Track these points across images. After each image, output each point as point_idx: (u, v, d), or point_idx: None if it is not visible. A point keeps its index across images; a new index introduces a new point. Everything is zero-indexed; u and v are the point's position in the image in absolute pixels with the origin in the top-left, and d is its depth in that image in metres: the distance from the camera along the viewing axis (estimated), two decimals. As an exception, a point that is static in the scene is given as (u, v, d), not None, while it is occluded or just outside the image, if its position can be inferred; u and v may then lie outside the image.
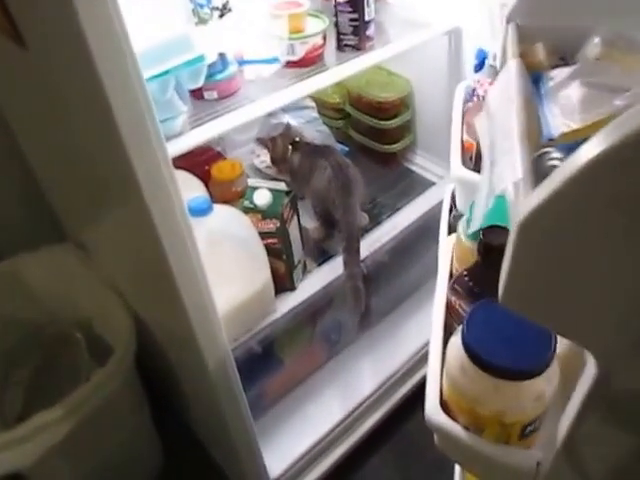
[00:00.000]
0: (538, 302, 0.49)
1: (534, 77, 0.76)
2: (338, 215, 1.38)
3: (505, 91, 0.70)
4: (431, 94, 1.69)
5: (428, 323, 1.60)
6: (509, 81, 0.70)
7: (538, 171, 0.56)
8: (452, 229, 1.32)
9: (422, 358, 1.60)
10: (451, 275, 0.96)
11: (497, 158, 0.63)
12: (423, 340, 1.61)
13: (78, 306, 1.35)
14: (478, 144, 1.08)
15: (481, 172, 0.72)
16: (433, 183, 1.74)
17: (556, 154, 0.64)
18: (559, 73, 0.76)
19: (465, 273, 0.84)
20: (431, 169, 1.79)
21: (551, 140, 0.67)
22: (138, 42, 0.94)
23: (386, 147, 1.77)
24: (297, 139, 1.56)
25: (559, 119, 0.69)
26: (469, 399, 0.70)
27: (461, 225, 0.93)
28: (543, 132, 0.67)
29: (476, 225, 0.63)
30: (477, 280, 0.82)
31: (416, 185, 1.73)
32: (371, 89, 1.71)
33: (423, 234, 1.61)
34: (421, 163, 1.83)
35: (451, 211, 1.35)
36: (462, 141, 1.14)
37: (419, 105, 1.75)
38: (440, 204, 1.51)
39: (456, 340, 0.73)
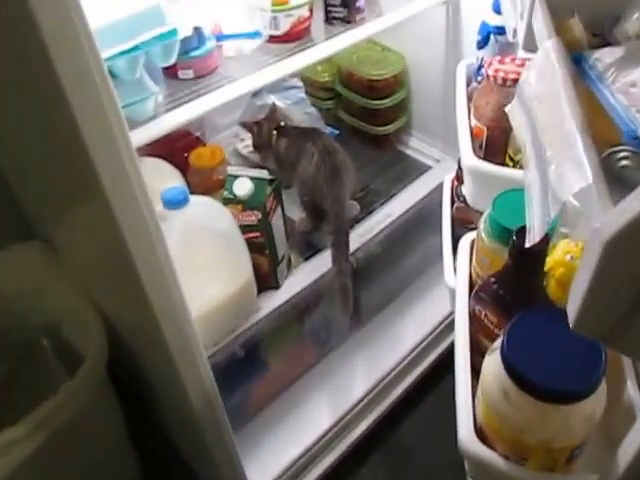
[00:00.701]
0: (621, 329, 0.45)
1: (575, 58, 0.71)
2: (326, 205, 1.35)
3: (546, 76, 0.66)
4: (427, 71, 1.66)
5: (424, 319, 1.61)
6: (551, 65, 0.65)
7: (608, 173, 0.51)
8: (455, 222, 1.32)
9: (418, 356, 1.59)
10: (470, 280, 0.94)
11: (550, 156, 0.59)
12: (419, 337, 1.60)
13: (46, 309, 1.32)
14: (489, 129, 1.06)
15: (525, 170, 0.68)
16: (429, 167, 1.71)
17: (625, 153, 0.59)
18: (605, 54, 0.70)
19: (492, 279, 0.82)
20: (427, 152, 1.77)
21: (636, 139, 0.61)
22: (103, 14, 0.90)
23: (379, 129, 1.74)
24: (282, 123, 1.52)
25: (632, 112, 0.63)
26: (513, 427, 0.67)
27: (482, 223, 0.91)
28: (622, 128, 0.62)
29: (537, 236, 0.59)
30: (507, 287, 0.79)
31: (411, 169, 1.71)
32: (363, 66, 1.68)
33: (419, 222, 1.60)
34: (416, 146, 1.80)
35: (453, 203, 1.34)
36: (470, 127, 1.12)
37: (414, 83, 1.72)
38: (437, 189, 1.51)
39: (493, 360, 0.69)
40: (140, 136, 0.97)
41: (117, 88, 0.71)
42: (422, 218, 1.59)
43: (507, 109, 0.78)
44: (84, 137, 0.68)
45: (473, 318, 0.83)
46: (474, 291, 0.85)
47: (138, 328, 1.09)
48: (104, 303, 1.17)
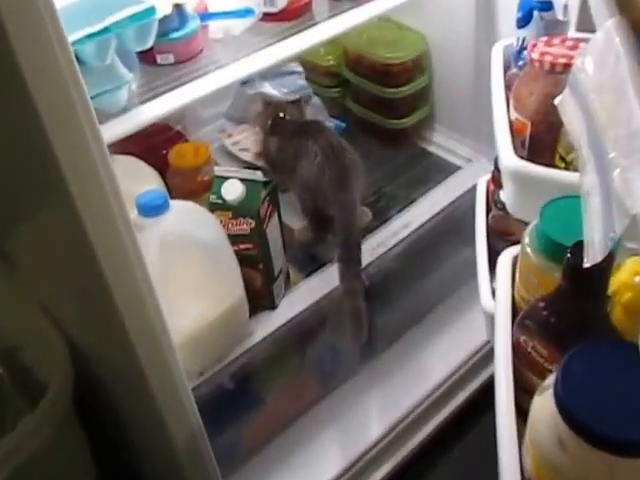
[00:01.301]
0: None
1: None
2: (332, 213, 1.37)
3: (606, 64, 0.66)
4: (454, 54, 1.68)
5: (453, 349, 1.62)
6: (614, 50, 0.65)
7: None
8: (491, 233, 1.32)
9: (446, 394, 1.59)
10: (514, 303, 0.93)
11: (614, 158, 0.59)
12: (447, 371, 1.59)
13: (2, 334, 1.34)
14: (534, 124, 1.07)
15: (581, 174, 0.68)
16: (458, 167, 1.73)
17: None
18: None
19: (542, 304, 0.81)
20: (455, 149, 1.78)
21: None
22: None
23: (395, 122, 1.76)
24: (282, 115, 1.54)
25: None
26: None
27: (527, 236, 0.90)
28: None
29: (599, 254, 0.59)
30: (560, 313, 0.78)
31: (435, 170, 1.72)
32: (375, 48, 1.70)
33: (445, 233, 1.61)
34: (441, 142, 1.82)
35: (489, 210, 1.35)
36: (509, 121, 1.12)
37: (438, 68, 1.74)
38: (468, 194, 1.52)
39: (545, 401, 0.68)
40: (111, 131, 0.99)
41: (85, 76, 0.73)
42: (449, 228, 1.61)
43: (557, 102, 0.79)
44: (48, 132, 0.70)
45: (518, 350, 0.83)
46: (519, 318, 0.84)
47: (110, 355, 1.10)
48: (70, 327, 1.19)
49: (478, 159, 1.73)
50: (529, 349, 0.80)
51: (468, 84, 1.65)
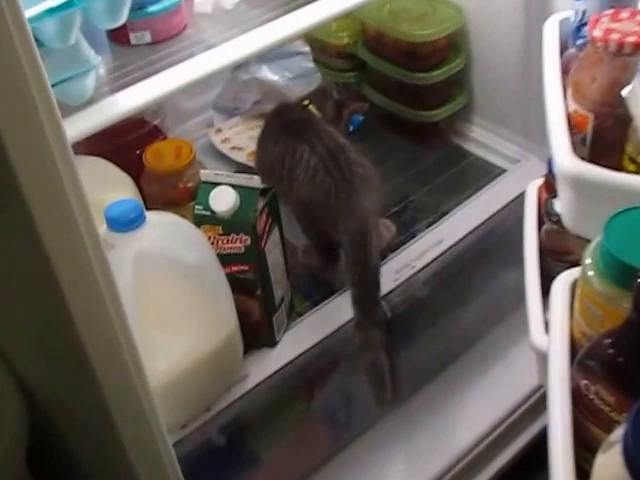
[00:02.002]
0: None
1: None
2: (337, 234, 1.37)
3: None
4: (497, 30, 1.69)
5: (495, 396, 1.61)
6: None
7: None
8: (544, 253, 1.32)
9: (485, 452, 1.58)
10: (572, 340, 0.93)
11: None
12: (487, 423, 1.58)
13: None
14: (597, 118, 1.07)
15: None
16: (502, 170, 1.74)
17: None
18: None
19: (608, 341, 0.81)
20: (499, 148, 1.80)
21: None
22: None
23: (424, 114, 1.77)
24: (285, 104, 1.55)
25: None
26: None
27: (589, 257, 0.90)
28: None
29: None
30: (630, 352, 0.78)
31: (474, 174, 1.74)
32: (400, 23, 1.72)
33: (486, 252, 1.62)
34: (481, 139, 1.83)
35: (541, 224, 1.34)
36: (567, 114, 1.12)
37: (477, 48, 1.76)
38: (516, 204, 1.51)
39: (611, 459, 0.67)
40: (75, 127, 1.01)
41: (44, 60, 0.73)
42: (491, 246, 1.62)
43: (625, 92, 0.79)
44: (1, 130, 0.71)
45: (577, 397, 0.83)
46: (579, 357, 0.84)
47: (73, 404, 1.10)
48: (25, 369, 1.19)
49: (527, 160, 1.74)
50: (591, 395, 0.80)
51: (514, 67, 1.66)
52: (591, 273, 0.88)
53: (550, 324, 0.97)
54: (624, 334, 0.79)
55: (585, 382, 0.81)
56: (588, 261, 0.89)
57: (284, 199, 1.45)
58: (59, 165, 0.78)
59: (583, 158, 1.05)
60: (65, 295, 0.85)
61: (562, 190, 1.14)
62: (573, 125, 1.10)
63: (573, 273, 0.97)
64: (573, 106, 1.10)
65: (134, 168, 1.45)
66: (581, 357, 0.84)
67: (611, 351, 0.80)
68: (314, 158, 1.38)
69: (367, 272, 1.33)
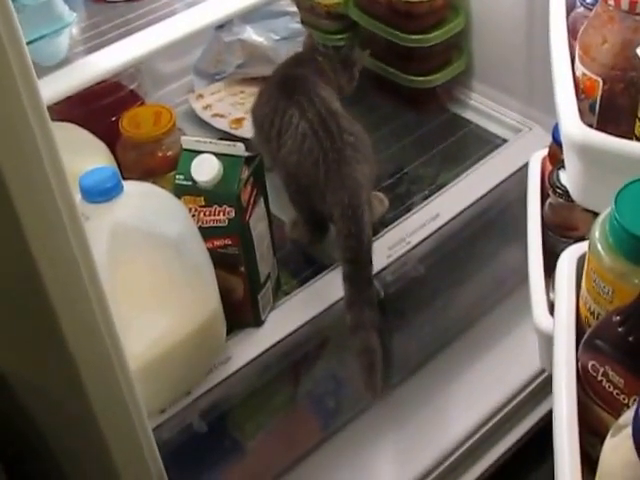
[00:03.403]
0: None
1: None
2: (332, 217, 1.37)
3: None
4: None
5: (495, 379, 1.62)
6: None
7: None
8: (549, 228, 1.32)
9: (485, 439, 1.59)
10: (578, 320, 0.93)
11: None
12: (486, 409, 1.60)
13: None
14: (607, 82, 1.06)
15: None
16: (503, 140, 1.75)
17: None
18: None
19: (617, 318, 0.81)
20: (499, 116, 1.80)
21: None
22: None
23: (420, 79, 1.77)
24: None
25: None
26: None
27: (598, 231, 0.90)
28: None
29: None
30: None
31: (472, 144, 1.75)
32: (394, -20, 1.70)
33: (486, 228, 1.63)
34: (480, 106, 1.83)
35: (545, 197, 1.34)
36: (574, 78, 1.11)
37: (477, 8, 1.75)
38: (518, 176, 1.51)
39: (620, 444, 0.68)
40: (48, 89, 0.99)
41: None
42: (491, 221, 1.62)
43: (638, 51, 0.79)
44: None
45: (584, 379, 0.83)
46: (586, 336, 0.84)
47: (47, 386, 1.10)
48: None
49: (530, 129, 1.74)
50: (599, 377, 0.81)
51: (517, 29, 1.66)
52: (600, 247, 0.88)
53: (555, 302, 0.96)
54: (635, 311, 0.79)
55: (593, 363, 0.81)
56: (597, 235, 0.89)
57: (271, 162, 1.46)
58: (35, 129, 0.78)
59: (591, 125, 1.05)
60: (40, 270, 0.85)
61: (569, 160, 1.13)
62: (581, 90, 1.09)
63: (580, 247, 0.97)
64: (581, 70, 1.09)
65: (109, 135, 1.44)
66: (588, 336, 0.83)
67: (621, 329, 0.80)
68: (303, 123, 1.39)
69: (359, 248, 1.33)
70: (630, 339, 0.79)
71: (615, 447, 0.69)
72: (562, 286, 0.97)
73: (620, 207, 0.86)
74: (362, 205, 1.36)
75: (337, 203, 1.35)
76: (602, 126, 1.05)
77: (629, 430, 0.66)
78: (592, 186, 1.08)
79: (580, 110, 1.06)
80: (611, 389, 0.79)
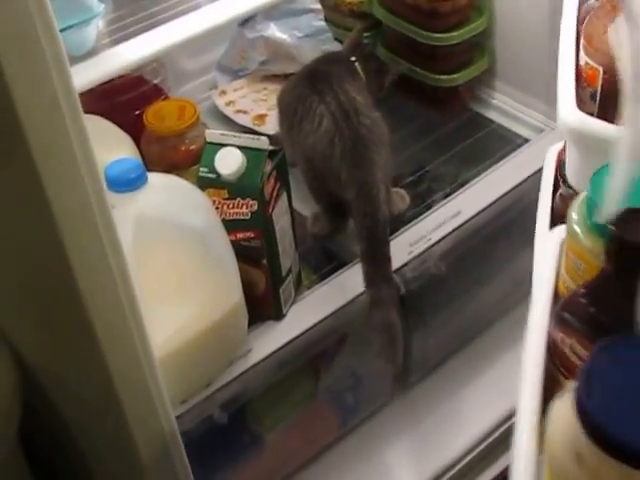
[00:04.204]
0: None
1: None
2: (347, 197, 1.38)
3: None
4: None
5: (510, 384, 1.56)
6: None
7: None
8: (557, 217, 1.32)
9: (503, 439, 1.59)
10: (557, 295, 0.94)
11: None
12: (505, 408, 1.60)
13: None
14: (607, 72, 1.06)
15: (620, 120, 0.70)
16: (525, 140, 1.75)
17: None
18: None
19: (582, 291, 0.83)
20: (521, 115, 1.81)
21: None
22: None
23: (442, 78, 1.78)
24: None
25: None
26: None
27: (575, 211, 0.92)
28: None
29: (610, 209, 0.61)
30: (604, 304, 0.80)
31: (494, 143, 1.75)
32: (418, -22, 1.71)
33: (506, 227, 1.63)
34: (503, 105, 1.84)
35: (557, 188, 1.34)
36: (577, 67, 1.12)
37: (500, 8, 1.76)
38: (538, 175, 1.49)
39: (564, 407, 0.70)
40: (76, 79, 1.01)
41: None
42: (512, 220, 1.62)
43: (610, 29, 0.80)
44: (6, 74, 0.73)
45: (554, 351, 0.84)
46: (556, 310, 0.86)
47: (71, 375, 1.12)
48: (19, 337, 1.20)
49: (552, 129, 1.74)
50: (566, 350, 0.82)
51: (541, 30, 1.66)
52: (577, 228, 0.90)
53: (533, 278, 0.99)
54: (598, 284, 0.81)
55: (561, 336, 0.83)
56: (574, 216, 0.91)
57: (292, 153, 1.47)
58: (67, 117, 0.79)
59: (592, 114, 1.05)
60: (69, 257, 0.86)
61: (568, 147, 1.16)
62: (583, 79, 1.10)
63: (563, 229, 0.98)
64: (584, 59, 1.10)
65: (133, 129, 1.46)
66: (558, 309, 0.85)
67: (585, 302, 0.82)
68: (322, 106, 1.41)
69: (375, 226, 1.35)
70: (592, 310, 0.80)
71: (560, 410, 0.71)
72: (544, 263, 0.98)
73: (595, 188, 0.88)
74: (377, 184, 1.37)
75: (352, 182, 1.37)
76: (602, 114, 1.05)
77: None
78: (588, 172, 1.04)
79: (582, 99, 1.08)
80: (577, 361, 0.80)
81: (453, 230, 1.53)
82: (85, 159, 0.83)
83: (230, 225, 1.26)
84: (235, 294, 1.29)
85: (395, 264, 1.39)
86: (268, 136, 1.38)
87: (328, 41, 1.80)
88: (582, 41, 1.11)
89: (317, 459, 1.56)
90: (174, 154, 1.46)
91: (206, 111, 1.75)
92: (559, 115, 1.07)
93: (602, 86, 1.07)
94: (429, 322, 1.63)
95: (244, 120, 1.72)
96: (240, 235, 1.28)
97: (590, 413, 0.65)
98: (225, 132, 1.33)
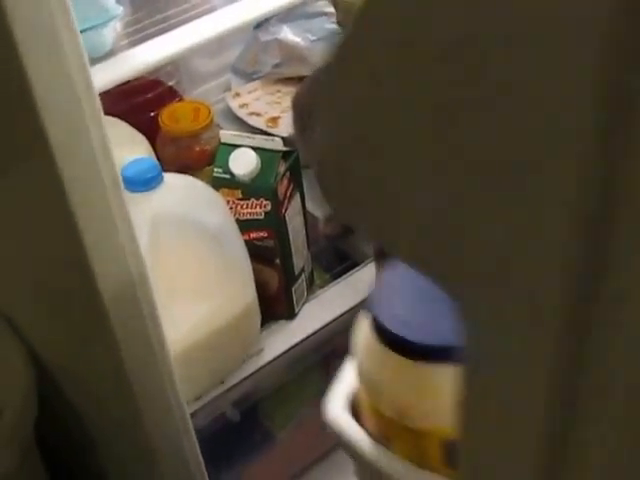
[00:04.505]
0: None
1: None
2: None
3: None
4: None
5: None
6: None
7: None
8: None
9: None
10: None
11: None
12: None
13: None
14: None
15: None
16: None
17: None
18: None
19: None
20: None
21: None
22: None
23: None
24: None
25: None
26: (370, 389, 0.80)
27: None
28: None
29: None
30: None
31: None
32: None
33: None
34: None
35: None
36: None
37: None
38: None
39: (364, 327, 0.83)
40: (95, 80, 1.03)
41: None
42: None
43: None
44: (29, 74, 0.74)
45: None
46: None
47: (87, 372, 1.13)
48: (34, 333, 1.21)
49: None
50: None
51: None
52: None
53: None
54: None
55: None
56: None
57: (306, 149, 1.46)
58: (87, 117, 0.81)
59: None
60: (89, 256, 0.88)
61: None
62: None
63: None
64: None
65: (148, 130, 1.47)
66: None
67: None
68: None
69: None
70: None
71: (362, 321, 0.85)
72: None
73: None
74: None
75: None
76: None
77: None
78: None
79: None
80: None
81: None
82: (104, 158, 0.84)
83: (244, 225, 1.28)
84: (249, 293, 1.31)
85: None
86: (282, 138, 1.40)
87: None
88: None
89: (328, 457, 1.56)
90: (188, 155, 1.46)
91: (220, 113, 1.76)
92: None
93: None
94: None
95: (257, 122, 1.72)
96: (253, 235, 1.29)
97: (376, 313, 0.80)
98: (239, 133, 1.36)
